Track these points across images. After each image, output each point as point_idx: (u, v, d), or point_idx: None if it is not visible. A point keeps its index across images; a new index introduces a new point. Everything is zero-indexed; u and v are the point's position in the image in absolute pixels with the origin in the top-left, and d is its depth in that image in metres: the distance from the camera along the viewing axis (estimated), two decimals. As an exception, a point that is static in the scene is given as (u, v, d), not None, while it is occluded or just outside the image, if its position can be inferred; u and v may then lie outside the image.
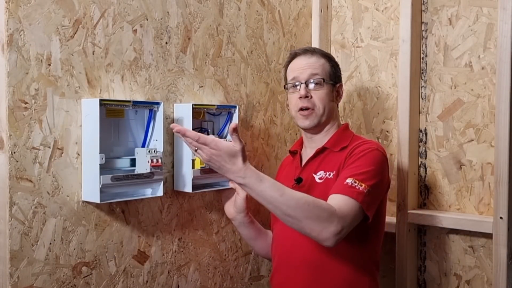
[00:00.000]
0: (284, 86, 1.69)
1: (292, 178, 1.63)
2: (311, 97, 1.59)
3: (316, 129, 1.62)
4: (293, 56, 1.67)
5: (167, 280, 1.63)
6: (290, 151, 1.76)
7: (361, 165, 1.47)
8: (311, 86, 1.60)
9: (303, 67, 1.62)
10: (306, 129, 1.64)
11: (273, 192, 1.30)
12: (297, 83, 1.61)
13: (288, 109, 1.69)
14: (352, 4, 2.10)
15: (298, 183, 1.60)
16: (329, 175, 1.55)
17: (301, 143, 1.73)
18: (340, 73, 1.69)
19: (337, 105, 1.68)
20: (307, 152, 1.67)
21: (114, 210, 1.49)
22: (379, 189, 1.49)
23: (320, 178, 1.57)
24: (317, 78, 1.60)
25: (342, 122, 1.71)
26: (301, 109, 1.59)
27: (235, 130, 1.28)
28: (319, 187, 1.55)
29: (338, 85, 1.66)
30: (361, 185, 1.42)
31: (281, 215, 1.33)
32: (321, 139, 1.64)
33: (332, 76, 1.64)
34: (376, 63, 2.04)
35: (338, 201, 1.39)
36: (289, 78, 1.66)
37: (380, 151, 1.54)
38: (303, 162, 1.65)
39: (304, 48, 1.68)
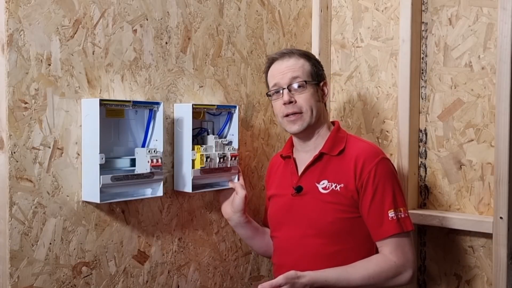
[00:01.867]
0: (267, 93, 1.65)
1: (289, 185, 1.61)
2: (295, 101, 1.55)
3: (306, 132, 1.58)
4: (271, 61, 1.63)
5: (167, 280, 1.63)
6: (281, 156, 1.71)
7: (387, 188, 1.49)
8: (294, 90, 1.55)
9: (283, 71, 1.57)
10: (296, 134, 1.60)
11: (340, 284, 1.43)
12: (279, 89, 1.57)
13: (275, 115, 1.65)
14: (352, 4, 2.10)
15: (298, 192, 1.58)
16: (336, 187, 1.53)
17: (291, 145, 1.69)
18: (323, 70, 1.65)
19: (325, 104, 1.64)
20: (302, 157, 1.63)
21: (114, 210, 1.49)
22: (404, 195, 1.56)
23: (324, 188, 1.54)
24: (298, 80, 1.55)
25: (333, 121, 1.69)
26: (287, 115, 1.55)
27: None
28: (325, 198, 1.53)
29: (322, 83, 1.62)
30: (401, 211, 1.49)
31: None
32: (314, 142, 1.60)
33: (314, 76, 1.59)
34: (376, 63, 2.04)
35: (391, 248, 1.47)
36: (270, 84, 1.62)
37: (386, 158, 1.55)
38: (300, 169, 1.62)
39: (281, 52, 1.63)
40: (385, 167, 1.52)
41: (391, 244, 1.47)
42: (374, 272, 1.44)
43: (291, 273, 1.39)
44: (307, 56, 1.63)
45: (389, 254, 1.47)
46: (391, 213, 1.47)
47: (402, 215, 1.49)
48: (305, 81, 1.56)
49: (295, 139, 1.65)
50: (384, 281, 1.45)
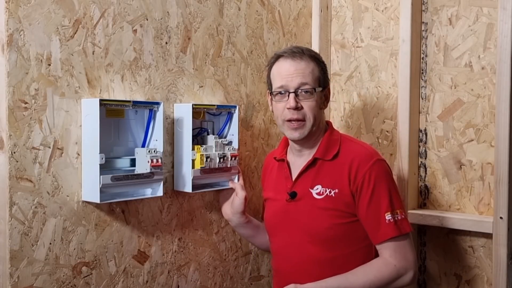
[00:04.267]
0: (270, 92, 1.58)
1: (283, 190, 1.59)
2: (301, 107, 1.50)
3: (305, 139, 1.55)
4: (278, 58, 1.56)
5: (167, 280, 1.63)
6: (275, 158, 1.68)
7: (383, 191, 1.47)
8: (301, 95, 1.50)
9: (292, 74, 1.51)
10: (294, 140, 1.57)
11: None
12: (284, 92, 1.52)
13: (272, 114, 1.61)
14: (352, 4, 2.10)
15: (293, 198, 1.55)
16: (330, 192, 1.50)
17: (285, 146, 1.66)
18: (328, 75, 1.61)
19: (323, 110, 1.60)
20: (295, 161, 1.61)
21: (114, 210, 1.49)
22: (400, 196, 1.54)
23: (318, 194, 1.52)
24: (307, 87, 1.50)
25: (326, 121, 1.64)
26: (290, 120, 1.51)
27: None
28: (319, 203, 1.51)
29: (326, 89, 1.59)
30: (397, 213, 1.47)
31: None
32: (309, 147, 1.58)
33: (322, 82, 1.55)
34: (376, 63, 2.04)
35: (390, 251, 1.46)
36: (275, 84, 1.54)
37: (381, 160, 1.52)
38: (294, 174, 1.59)
39: (291, 50, 1.54)
40: (380, 169, 1.49)
41: (390, 247, 1.46)
42: (375, 278, 1.43)
43: (291, 286, 1.38)
44: (317, 59, 1.57)
45: (389, 258, 1.46)
46: (388, 216, 1.45)
47: (399, 217, 1.46)
48: (314, 88, 1.52)
49: (290, 141, 1.62)
50: (386, 285, 1.44)
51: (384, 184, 1.48)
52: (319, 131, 1.57)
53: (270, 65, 1.59)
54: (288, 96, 1.51)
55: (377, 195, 1.47)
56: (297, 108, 1.50)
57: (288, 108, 1.51)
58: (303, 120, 1.51)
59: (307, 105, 1.51)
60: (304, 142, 1.56)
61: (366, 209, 1.47)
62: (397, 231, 1.45)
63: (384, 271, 1.44)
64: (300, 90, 1.51)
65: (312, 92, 1.51)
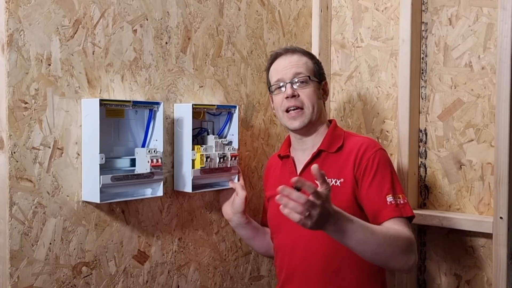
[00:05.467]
0: (269, 89, 1.65)
1: (288, 185, 1.58)
2: (298, 95, 1.55)
3: (306, 129, 1.57)
4: (274, 57, 1.63)
5: (167, 280, 1.63)
6: (279, 156, 1.69)
7: (385, 174, 1.48)
8: (297, 85, 1.56)
9: (286, 67, 1.57)
10: (296, 130, 1.59)
11: (364, 231, 1.29)
12: (282, 84, 1.57)
13: (274, 111, 1.65)
14: (352, 4, 2.10)
15: (298, 191, 1.56)
16: (336, 182, 1.52)
17: (289, 145, 1.68)
18: (324, 71, 1.66)
19: (324, 103, 1.65)
20: (300, 156, 1.62)
21: (114, 210, 1.49)
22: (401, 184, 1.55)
23: None
24: (302, 76, 1.56)
25: (329, 119, 1.68)
26: (288, 109, 1.55)
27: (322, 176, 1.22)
28: None
29: (323, 82, 1.63)
30: (400, 197, 1.47)
31: (370, 255, 1.33)
32: (312, 140, 1.60)
33: (317, 74, 1.60)
34: (376, 63, 2.04)
35: (401, 226, 1.42)
36: (273, 80, 1.61)
37: (382, 149, 1.55)
38: (299, 167, 1.61)
39: (285, 48, 1.64)
40: (384, 156, 1.52)
41: (398, 224, 1.42)
42: (395, 232, 1.37)
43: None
44: (310, 54, 1.64)
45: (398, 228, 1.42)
46: (389, 198, 1.45)
47: (401, 201, 1.46)
48: (308, 77, 1.57)
49: (293, 138, 1.65)
50: (401, 251, 1.36)
51: (387, 170, 1.50)
52: (320, 122, 1.60)
53: (268, 67, 1.66)
54: (285, 87, 1.56)
55: (379, 178, 1.48)
56: (294, 96, 1.55)
57: (286, 98, 1.55)
58: (301, 108, 1.55)
59: (304, 93, 1.56)
60: (306, 131, 1.59)
61: (367, 190, 1.48)
62: (398, 213, 1.44)
63: (401, 233, 1.39)
64: (295, 80, 1.56)
65: (307, 81, 1.57)
